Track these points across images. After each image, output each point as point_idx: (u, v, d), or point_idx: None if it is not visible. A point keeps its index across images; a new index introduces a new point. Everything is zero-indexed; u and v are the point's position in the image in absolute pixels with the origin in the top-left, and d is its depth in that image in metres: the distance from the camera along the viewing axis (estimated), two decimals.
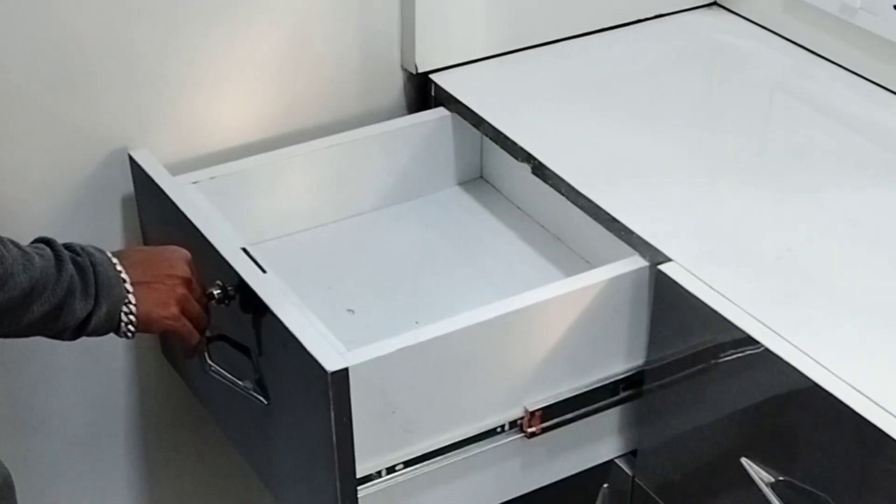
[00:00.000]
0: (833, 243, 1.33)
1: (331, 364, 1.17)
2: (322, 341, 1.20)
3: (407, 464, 1.28)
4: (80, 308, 1.14)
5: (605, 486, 1.46)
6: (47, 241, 1.16)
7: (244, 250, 1.33)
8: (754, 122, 1.55)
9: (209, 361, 1.30)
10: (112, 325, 1.18)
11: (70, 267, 1.13)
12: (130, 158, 1.49)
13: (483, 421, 1.30)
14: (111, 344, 1.57)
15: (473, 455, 1.31)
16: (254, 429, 1.42)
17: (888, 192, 1.41)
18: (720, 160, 1.47)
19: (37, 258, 1.11)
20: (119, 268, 1.19)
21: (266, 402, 1.32)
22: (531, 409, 1.32)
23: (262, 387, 1.32)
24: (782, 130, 1.55)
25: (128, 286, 1.19)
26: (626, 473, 1.42)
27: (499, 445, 1.33)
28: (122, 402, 1.68)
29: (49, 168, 1.48)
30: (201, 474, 1.81)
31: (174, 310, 1.23)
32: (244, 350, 1.33)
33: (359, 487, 1.25)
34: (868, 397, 1.11)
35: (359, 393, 1.20)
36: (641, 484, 1.40)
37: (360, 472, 1.25)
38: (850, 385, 1.12)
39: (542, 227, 1.56)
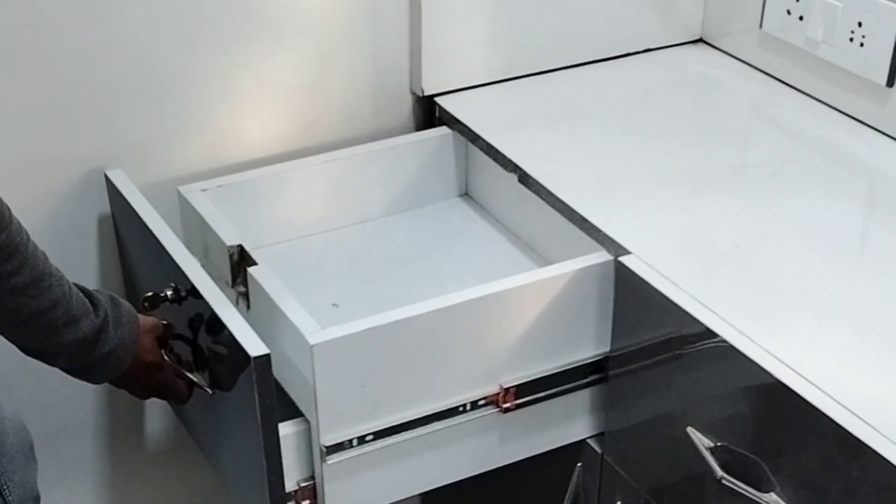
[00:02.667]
0: (777, 242, 1.48)
1: (254, 350, 1.30)
2: (247, 330, 1.33)
3: (377, 435, 1.43)
4: (58, 365, 1.30)
5: (580, 464, 1.60)
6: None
7: (241, 247, 1.50)
8: (727, 141, 1.71)
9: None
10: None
11: (71, 336, 1.27)
12: (106, 178, 1.64)
13: (458, 396, 1.46)
14: None
15: (447, 428, 1.46)
16: (203, 421, 1.57)
17: (834, 201, 1.56)
18: (691, 173, 1.63)
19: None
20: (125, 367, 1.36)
21: (210, 392, 1.46)
22: (505, 386, 1.48)
23: (211, 379, 1.47)
24: (750, 149, 1.72)
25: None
26: (597, 452, 1.57)
27: (475, 419, 1.48)
28: (90, 402, 1.80)
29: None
30: (168, 474, 1.92)
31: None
32: (194, 345, 1.49)
33: (328, 456, 1.41)
34: (797, 372, 1.26)
35: (328, 367, 1.36)
36: (609, 461, 1.55)
37: (330, 441, 1.40)
38: (788, 366, 1.27)
39: (523, 237, 1.71)
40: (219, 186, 1.65)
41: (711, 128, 1.75)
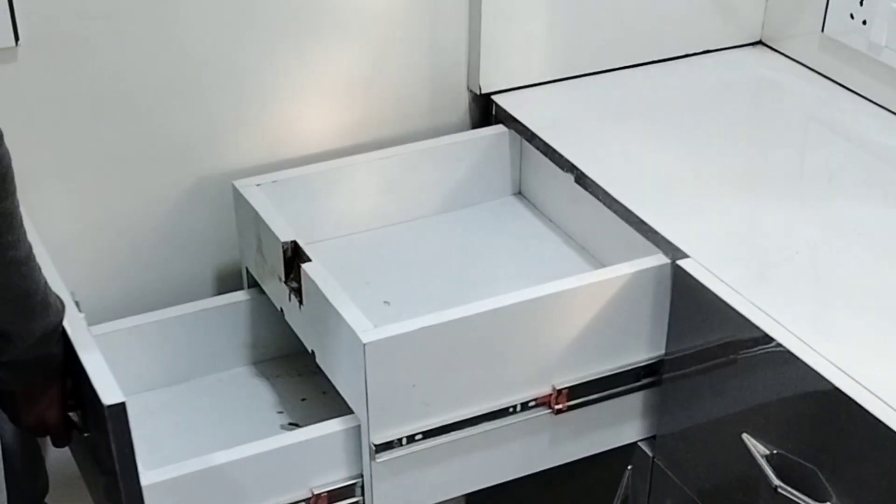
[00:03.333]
0: (836, 248, 1.46)
1: (110, 398, 1.20)
2: (105, 375, 1.23)
3: (426, 434, 1.42)
4: (11, 351, 1.23)
5: (630, 467, 1.59)
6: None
7: (294, 243, 1.49)
8: (785, 145, 1.70)
9: None
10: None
11: (39, 324, 1.22)
12: None
13: (509, 397, 1.45)
14: None
15: (498, 429, 1.46)
16: (83, 461, 1.48)
17: (894, 208, 1.54)
18: (750, 177, 1.62)
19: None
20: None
21: (85, 435, 1.37)
22: (558, 388, 1.47)
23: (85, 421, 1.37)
24: (809, 153, 1.69)
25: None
26: (648, 455, 1.56)
27: (526, 420, 1.47)
28: None
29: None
30: None
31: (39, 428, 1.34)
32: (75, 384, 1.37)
33: (378, 454, 1.40)
34: (856, 380, 1.24)
35: (380, 366, 1.35)
36: (660, 465, 1.54)
37: (380, 439, 1.40)
38: (850, 377, 1.25)
39: (577, 238, 1.70)
40: (273, 182, 1.65)
41: (770, 131, 1.73)
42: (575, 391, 1.48)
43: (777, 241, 1.48)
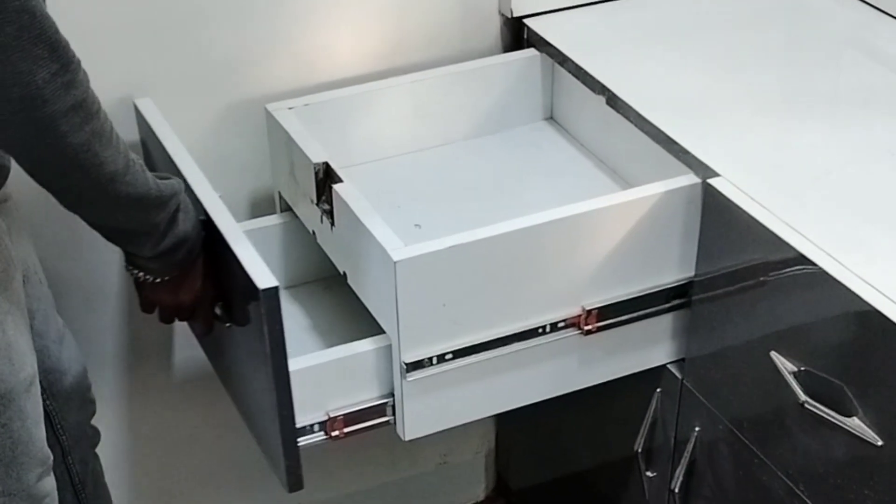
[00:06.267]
0: (870, 170, 1.45)
1: (264, 283, 1.29)
2: (258, 262, 1.32)
3: (456, 354, 1.43)
4: (145, 249, 1.32)
5: (659, 390, 1.60)
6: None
7: (326, 164, 1.50)
8: (820, 68, 1.68)
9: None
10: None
11: (162, 215, 1.30)
12: (135, 107, 1.63)
13: (539, 317, 1.45)
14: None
15: (527, 349, 1.47)
16: (222, 354, 1.58)
17: None
18: (783, 99, 1.60)
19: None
20: (198, 252, 1.38)
21: (227, 325, 1.47)
22: (588, 308, 1.47)
23: (228, 312, 1.47)
24: (845, 77, 1.67)
25: (186, 267, 1.38)
26: (677, 378, 1.56)
27: (555, 341, 1.48)
28: (118, 333, 1.82)
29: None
30: (192, 405, 1.94)
31: (171, 312, 1.43)
32: (215, 277, 1.45)
33: (409, 373, 1.41)
34: (889, 298, 1.23)
35: (411, 284, 1.36)
36: (689, 387, 1.54)
37: (411, 358, 1.41)
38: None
39: (608, 161, 1.70)
40: (305, 105, 1.65)
41: (805, 54, 1.71)
42: (604, 312, 1.48)
43: (810, 162, 1.47)
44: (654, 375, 1.58)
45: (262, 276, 1.30)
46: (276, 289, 1.29)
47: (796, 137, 1.52)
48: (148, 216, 1.28)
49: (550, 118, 1.81)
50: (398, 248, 1.36)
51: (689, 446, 1.55)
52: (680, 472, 1.56)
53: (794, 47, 1.75)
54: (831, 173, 1.44)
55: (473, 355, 1.44)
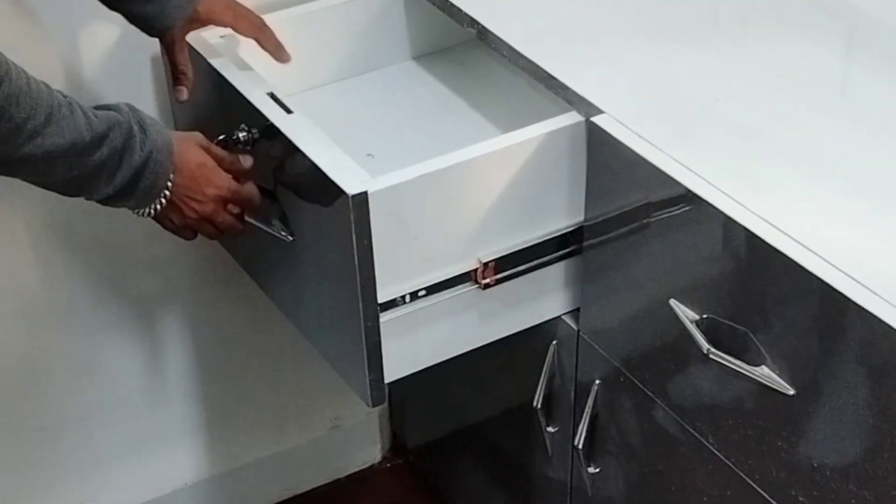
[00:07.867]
0: (756, 94, 1.36)
1: (352, 188, 1.22)
2: (343, 169, 1.25)
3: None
4: (101, 190, 1.23)
5: (554, 342, 1.50)
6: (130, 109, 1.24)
7: (271, 95, 1.39)
8: None
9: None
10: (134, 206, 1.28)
11: (104, 152, 1.20)
12: None
13: (435, 272, 1.35)
14: None
15: (426, 308, 1.37)
16: (280, 269, 1.48)
17: (812, 46, 1.44)
18: (661, 25, 1.51)
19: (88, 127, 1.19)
20: (171, 172, 1.27)
21: (291, 239, 1.38)
22: (484, 261, 1.36)
23: (286, 225, 1.38)
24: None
25: (166, 192, 1.28)
26: (573, 329, 1.47)
27: (455, 296, 1.38)
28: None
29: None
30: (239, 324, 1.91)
31: (188, 233, 1.35)
32: (269, 193, 1.39)
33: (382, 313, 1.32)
34: (781, 230, 1.15)
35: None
36: (586, 337, 1.45)
37: (384, 298, 1.31)
38: (780, 230, 1.16)
39: (483, 102, 1.59)
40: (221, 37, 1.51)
41: None
42: (501, 264, 1.38)
43: (695, 91, 1.37)
44: (550, 326, 1.49)
45: (351, 179, 1.23)
46: (365, 194, 1.22)
47: (680, 65, 1.42)
48: (88, 158, 1.20)
49: (418, 57, 1.68)
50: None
51: (590, 400, 1.46)
52: (583, 427, 1.47)
53: None
54: (719, 100, 1.35)
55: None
